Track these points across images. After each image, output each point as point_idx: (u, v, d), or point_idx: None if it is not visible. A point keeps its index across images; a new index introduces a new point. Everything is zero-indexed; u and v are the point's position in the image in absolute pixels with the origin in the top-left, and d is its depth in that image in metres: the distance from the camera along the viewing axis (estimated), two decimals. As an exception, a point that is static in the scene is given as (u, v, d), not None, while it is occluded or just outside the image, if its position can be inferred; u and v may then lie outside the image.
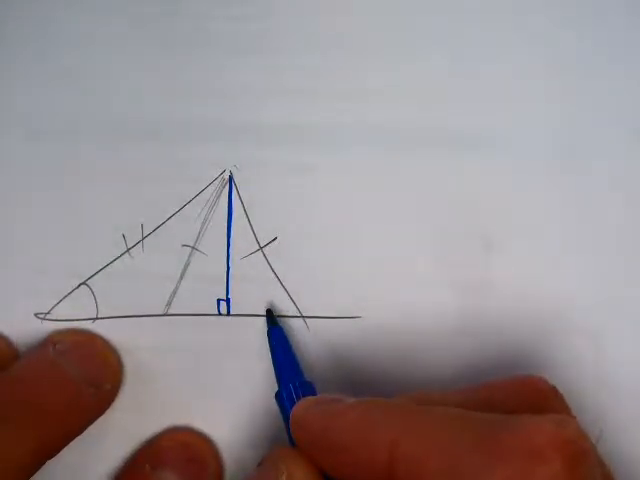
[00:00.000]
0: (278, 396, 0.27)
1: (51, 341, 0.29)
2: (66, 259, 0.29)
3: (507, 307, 0.29)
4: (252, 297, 0.29)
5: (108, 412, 0.29)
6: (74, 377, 0.27)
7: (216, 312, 0.29)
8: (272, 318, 0.29)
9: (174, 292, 0.29)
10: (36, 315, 0.29)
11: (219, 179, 0.29)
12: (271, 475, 0.24)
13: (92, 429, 0.28)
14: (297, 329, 0.29)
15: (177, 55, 0.30)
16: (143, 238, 0.29)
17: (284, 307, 0.29)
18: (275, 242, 0.29)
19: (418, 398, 0.24)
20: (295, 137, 0.29)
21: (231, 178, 0.29)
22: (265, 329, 0.29)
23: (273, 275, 0.29)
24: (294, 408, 0.25)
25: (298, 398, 0.26)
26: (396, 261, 0.29)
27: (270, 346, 0.28)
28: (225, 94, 0.30)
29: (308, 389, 0.27)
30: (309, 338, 0.29)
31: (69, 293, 0.29)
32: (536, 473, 0.20)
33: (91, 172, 0.30)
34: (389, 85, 0.29)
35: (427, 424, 0.22)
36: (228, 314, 0.29)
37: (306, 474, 0.24)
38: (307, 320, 0.29)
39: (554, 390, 0.25)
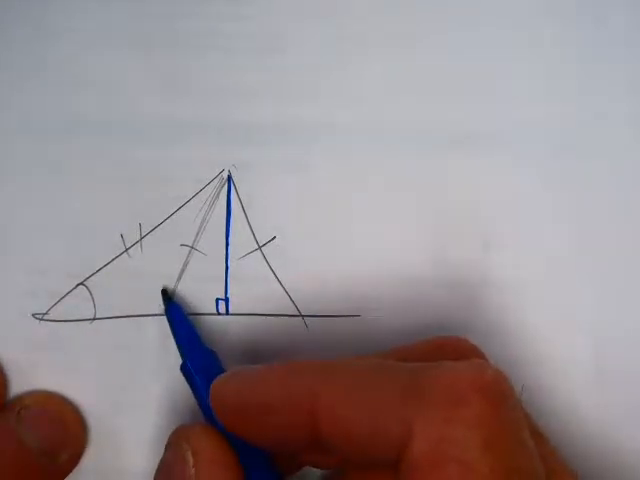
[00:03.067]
0: (184, 368, 0.27)
1: (19, 404, 0.28)
2: (64, 259, 0.29)
3: (507, 307, 0.29)
4: (251, 296, 0.29)
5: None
6: (30, 446, 0.27)
7: (215, 311, 0.29)
8: (167, 296, 0.29)
9: (173, 292, 0.29)
10: (34, 315, 0.29)
11: (218, 179, 0.29)
12: (177, 455, 0.24)
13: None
14: (296, 328, 0.29)
15: (177, 55, 0.30)
16: (141, 238, 0.29)
17: (283, 306, 0.29)
18: (274, 241, 0.29)
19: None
20: (294, 137, 0.29)
21: (230, 178, 0.29)
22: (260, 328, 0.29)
23: (272, 274, 0.29)
24: (213, 382, 0.25)
25: (204, 367, 0.26)
26: (395, 260, 0.29)
27: (169, 322, 0.28)
28: (224, 94, 0.30)
29: (211, 356, 0.27)
30: (307, 337, 0.29)
31: (67, 293, 0.29)
32: (459, 417, 0.20)
33: (90, 172, 0.30)
34: (389, 85, 0.29)
35: (347, 374, 0.22)
36: (227, 313, 0.29)
37: (212, 447, 0.24)
38: (306, 319, 0.29)
39: (475, 348, 0.25)
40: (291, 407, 0.22)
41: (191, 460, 0.24)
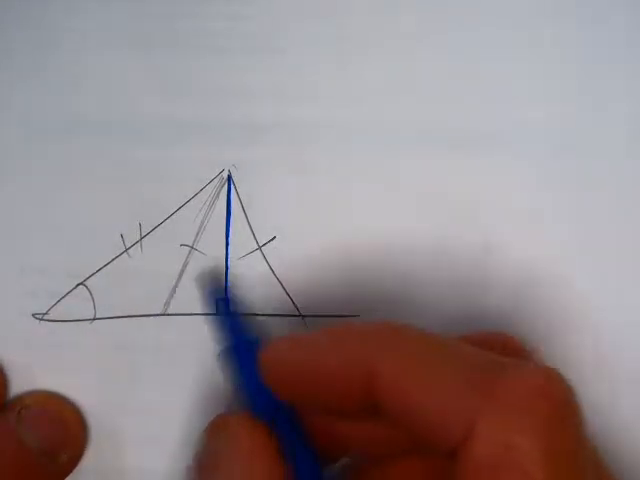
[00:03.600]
0: (228, 351, 0.26)
1: (19, 404, 0.28)
2: (64, 259, 0.29)
3: (507, 307, 0.29)
4: (251, 296, 0.29)
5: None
6: (30, 446, 0.27)
7: (215, 312, 0.29)
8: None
9: (173, 292, 0.29)
10: (34, 315, 0.29)
11: (217, 178, 0.29)
12: (219, 445, 0.23)
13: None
14: (296, 328, 0.29)
15: (177, 55, 0.30)
16: (141, 238, 0.29)
17: (283, 306, 0.29)
18: (274, 241, 0.29)
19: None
20: (294, 136, 0.29)
21: (230, 177, 0.29)
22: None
23: (272, 274, 0.29)
24: (264, 348, 0.23)
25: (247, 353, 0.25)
26: (395, 260, 0.29)
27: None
28: (224, 94, 0.30)
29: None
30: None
31: (67, 293, 0.29)
32: (527, 425, 0.20)
33: (90, 172, 0.30)
34: (389, 85, 0.29)
35: (411, 343, 0.21)
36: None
37: (256, 438, 0.23)
38: (306, 319, 0.29)
39: (523, 349, 0.25)
40: (347, 376, 0.21)
41: (235, 450, 0.23)
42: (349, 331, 0.22)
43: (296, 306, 0.29)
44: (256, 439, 0.23)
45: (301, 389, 0.23)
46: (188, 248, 0.29)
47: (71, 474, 0.29)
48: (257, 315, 0.29)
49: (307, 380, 0.22)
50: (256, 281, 0.29)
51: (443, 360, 0.21)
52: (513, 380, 0.20)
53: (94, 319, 0.29)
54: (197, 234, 0.29)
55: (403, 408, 0.21)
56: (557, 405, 0.20)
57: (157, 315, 0.29)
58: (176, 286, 0.29)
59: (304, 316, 0.29)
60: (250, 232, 0.29)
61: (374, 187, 0.29)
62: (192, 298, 0.29)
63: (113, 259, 0.29)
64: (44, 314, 0.29)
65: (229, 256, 0.29)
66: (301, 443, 0.24)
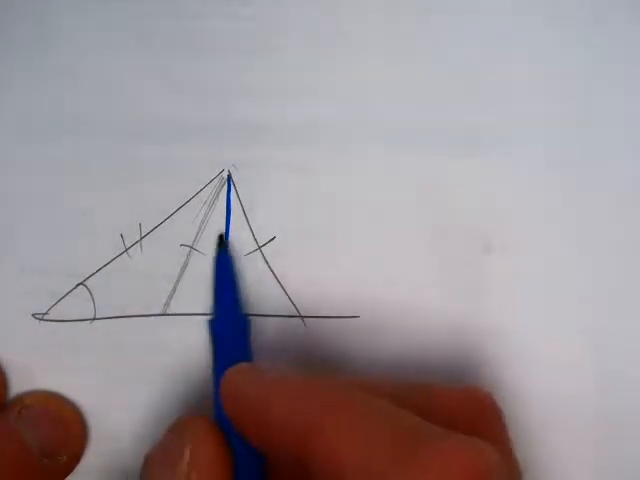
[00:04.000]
0: (211, 325, 0.27)
1: (19, 403, 0.28)
2: (64, 259, 0.29)
3: (506, 307, 0.29)
4: (251, 296, 0.29)
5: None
6: (30, 446, 0.27)
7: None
8: (222, 242, 0.29)
9: (172, 292, 0.29)
10: (34, 315, 0.29)
11: (217, 179, 0.29)
12: (176, 445, 0.24)
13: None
14: (295, 328, 0.29)
15: (177, 55, 0.30)
16: (141, 238, 0.29)
17: (282, 306, 0.29)
18: (274, 242, 0.29)
19: (354, 380, 0.24)
20: (294, 136, 0.29)
21: (229, 178, 0.29)
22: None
23: (271, 274, 0.29)
24: (228, 372, 0.25)
25: (230, 331, 0.27)
26: (395, 261, 0.29)
27: (214, 273, 0.29)
28: (224, 94, 0.30)
29: (242, 323, 0.27)
30: (307, 337, 0.29)
31: (67, 293, 0.29)
32: None
33: (90, 172, 0.30)
34: (389, 85, 0.29)
35: (351, 413, 0.22)
36: (227, 313, 0.29)
37: (211, 450, 0.24)
38: (305, 319, 0.29)
39: (495, 408, 0.25)
40: (291, 430, 0.22)
41: (188, 457, 0.24)
42: (304, 388, 0.23)
43: (296, 307, 0.29)
44: (214, 453, 0.24)
45: (246, 424, 0.24)
46: (188, 248, 0.29)
47: (71, 474, 0.29)
48: (257, 315, 0.29)
49: (252, 418, 0.23)
50: (256, 281, 0.29)
51: (376, 433, 0.21)
52: (437, 454, 0.20)
53: (94, 319, 0.29)
54: (197, 234, 0.29)
55: (330, 469, 0.21)
56: (476, 478, 0.20)
57: (157, 315, 0.29)
58: (176, 286, 0.29)
59: (303, 317, 0.29)
60: (250, 232, 0.29)
61: (374, 187, 0.29)
62: (192, 298, 0.29)
63: (113, 259, 0.29)
64: (44, 314, 0.29)
65: (229, 256, 0.29)
66: (255, 458, 0.25)
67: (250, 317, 0.28)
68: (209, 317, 0.28)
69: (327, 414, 0.22)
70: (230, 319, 0.28)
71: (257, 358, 0.29)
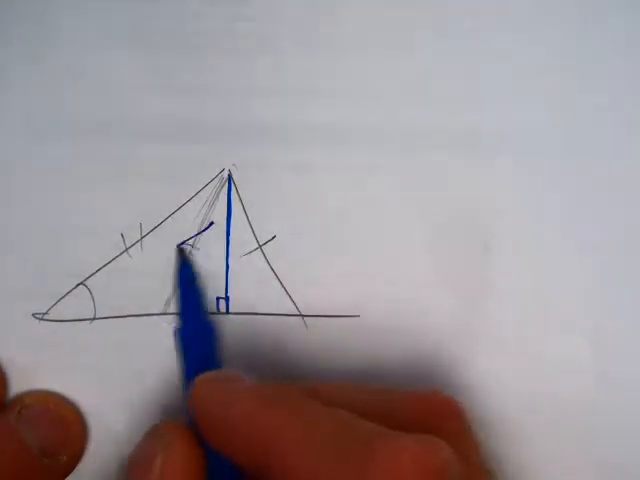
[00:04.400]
0: (177, 334, 0.28)
1: (19, 403, 0.28)
2: (64, 259, 0.29)
3: (506, 307, 0.29)
4: (251, 296, 0.29)
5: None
6: (30, 446, 0.27)
7: (215, 310, 0.29)
8: (182, 255, 0.29)
9: (173, 292, 0.29)
10: (34, 315, 0.29)
11: (218, 178, 0.29)
12: (149, 450, 0.24)
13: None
14: (295, 327, 0.29)
15: (177, 55, 0.30)
16: (142, 237, 0.29)
17: (283, 305, 0.29)
18: (274, 241, 0.29)
19: (315, 389, 0.24)
20: (294, 136, 0.29)
21: (230, 177, 0.29)
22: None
23: (272, 273, 0.29)
24: (196, 381, 0.25)
25: (197, 337, 0.27)
26: (395, 261, 0.29)
27: (177, 283, 0.29)
28: (224, 93, 0.30)
29: (208, 330, 0.28)
30: (307, 337, 0.29)
31: (67, 293, 0.29)
32: None
33: (90, 172, 0.30)
34: (389, 85, 0.29)
35: (302, 424, 0.22)
36: (227, 312, 0.29)
37: (182, 460, 0.24)
38: (305, 319, 0.29)
39: (455, 411, 0.25)
40: (253, 438, 0.23)
41: (159, 464, 0.24)
42: (267, 397, 0.23)
43: (296, 306, 0.29)
44: (185, 462, 0.24)
45: (216, 432, 0.24)
46: (189, 247, 0.29)
47: (71, 474, 0.29)
48: (257, 314, 0.29)
49: (218, 428, 0.24)
50: (256, 281, 0.29)
51: (329, 440, 0.21)
52: (387, 452, 0.20)
53: (94, 319, 0.29)
54: (197, 234, 0.29)
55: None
56: (429, 474, 0.20)
57: (157, 315, 0.29)
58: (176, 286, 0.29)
59: (304, 316, 0.29)
60: (250, 231, 0.29)
61: (374, 187, 0.29)
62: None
63: (113, 259, 0.29)
64: (44, 314, 0.29)
65: (230, 255, 0.29)
66: (227, 464, 0.24)
67: (213, 323, 0.28)
68: (175, 325, 0.28)
69: (280, 427, 0.22)
70: (195, 327, 0.28)
71: (258, 358, 0.29)
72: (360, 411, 0.22)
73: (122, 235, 0.29)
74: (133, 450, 0.25)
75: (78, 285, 0.29)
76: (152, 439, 0.25)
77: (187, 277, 0.29)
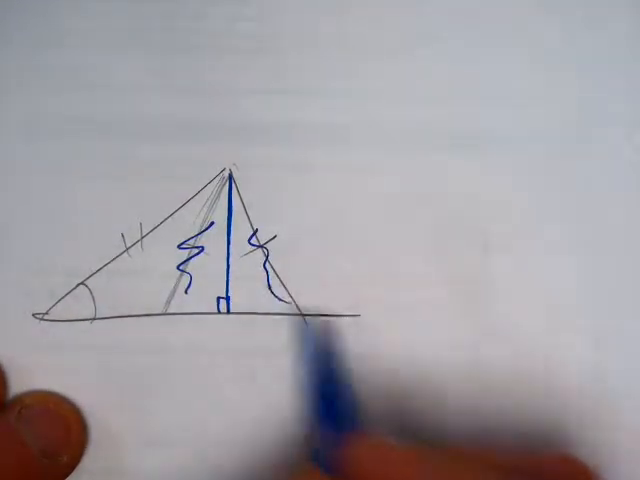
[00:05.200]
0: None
1: (19, 403, 0.28)
2: (64, 259, 0.29)
3: (506, 307, 0.29)
4: (252, 295, 0.29)
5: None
6: (30, 446, 0.27)
7: (216, 310, 0.29)
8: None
9: (173, 292, 0.29)
10: (34, 315, 0.29)
11: (218, 178, 0.29)
12: None
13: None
14: (296, 327, 0.29)
15: (177, 55, 0.30)
16: (142, 237, 0.29)
17: (283, 305, 0.29)
18: (275, 240, 0.29)
19: (461, 452, 0.25)
20: (295, 136, 0.29)
21: (231, 176, 0.29)
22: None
23: (273, 273, 0.29)
24: (354, 446, 0.24)
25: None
26: (395, 260, 0.29)
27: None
28: (224, 93, 0.30)
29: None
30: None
31: (67, 293, 0.29)
32: None
33: (90, 172, 0.30)
34: (389, 85, 0.30)
35: None
36: (228, 312, 0.29)
37: None
38: (306, 318, 0.29)
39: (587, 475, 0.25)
40: None
41: None
42: (425, 467, 0.24)
43: (296, 304, 0.29)
44: None
45: None
46: (189, 247, 0.29)
47: (71, 474, 0.28)
48: (257, 314, 0.29)
49: None
50: (257, 280, 0.29)
51: None
52: None
53: (94, 319, 0.29)
54: (198, 234, 0.29)
55: None
56: None
57: (157, 315, 0.29)
58: (176, 286, 0.29)
59: (304, 315, 0.29)
60: (251, 231, 0.29)
61: (374, 187, 0.29)
62: (192, 298, 0.29)
63: (113, 259, 0.29)
64: (44, 314, 0.29)
65: (230, 255, 0.29)
66: None
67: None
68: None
69: None
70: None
71: (258, 357, 0.29)
72: (507, 476, 0.23)
73: (122, 235, 0.29)
74: None
75: (78, 285, 0.29)
76: None
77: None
